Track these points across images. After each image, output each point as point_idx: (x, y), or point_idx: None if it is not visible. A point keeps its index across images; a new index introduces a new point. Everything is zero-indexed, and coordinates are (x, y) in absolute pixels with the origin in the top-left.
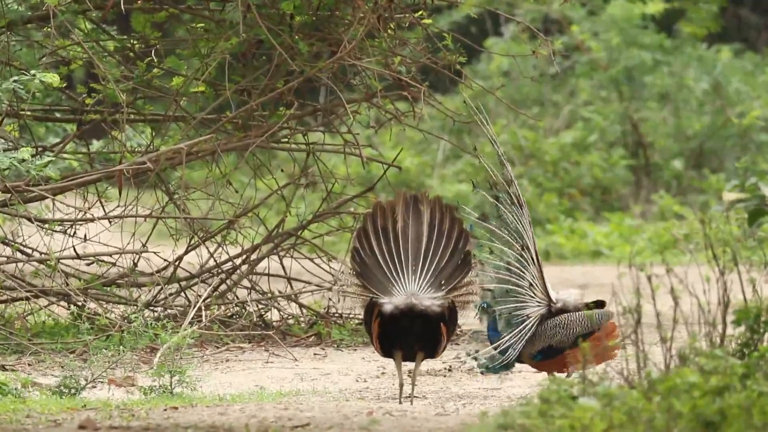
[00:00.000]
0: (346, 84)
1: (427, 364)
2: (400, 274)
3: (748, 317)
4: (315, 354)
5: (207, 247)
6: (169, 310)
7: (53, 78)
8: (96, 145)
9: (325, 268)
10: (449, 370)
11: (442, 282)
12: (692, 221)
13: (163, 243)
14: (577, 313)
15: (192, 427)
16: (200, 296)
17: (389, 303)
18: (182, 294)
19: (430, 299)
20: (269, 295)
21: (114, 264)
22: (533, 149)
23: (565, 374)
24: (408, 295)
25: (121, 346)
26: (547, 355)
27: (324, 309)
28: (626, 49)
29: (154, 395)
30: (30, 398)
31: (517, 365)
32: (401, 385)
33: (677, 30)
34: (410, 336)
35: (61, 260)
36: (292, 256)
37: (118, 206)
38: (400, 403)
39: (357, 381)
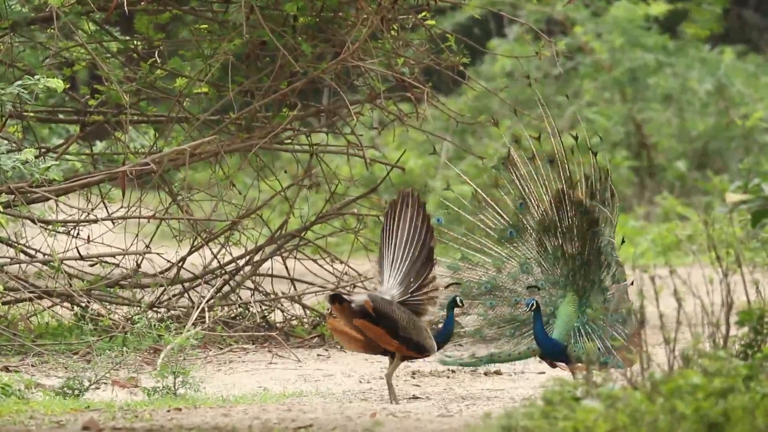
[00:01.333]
0: (349, 85)
1: (430, 365)
2: (385, 271)
3: (752, 318)
4: (318, 355)
5: (210, 248)
6: (173, 311)
7: (58, 84)
8: (99, 146)
9: (328, 269)
10: (452, 371)
11: (411, 279)
12: (696, 222)
13: (166, 244)
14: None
15: (195, 428)
16: (203, 297)
17: (354, 302)
18: (185, 295)
19: (364, 296)
20: (272, 296)
21: (117, 265)
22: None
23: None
24: (379, 292)
25: (124, 347)
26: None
27: (327, 310)
28: (629, 51)
29: (158, 396)
30: (33, 399)
31: (515, 365)
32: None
33: (680, 31)
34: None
35: (64, 261)
36: (295, 257)
37: (122, 207)
38: (391, 402)
39: (360, 382)
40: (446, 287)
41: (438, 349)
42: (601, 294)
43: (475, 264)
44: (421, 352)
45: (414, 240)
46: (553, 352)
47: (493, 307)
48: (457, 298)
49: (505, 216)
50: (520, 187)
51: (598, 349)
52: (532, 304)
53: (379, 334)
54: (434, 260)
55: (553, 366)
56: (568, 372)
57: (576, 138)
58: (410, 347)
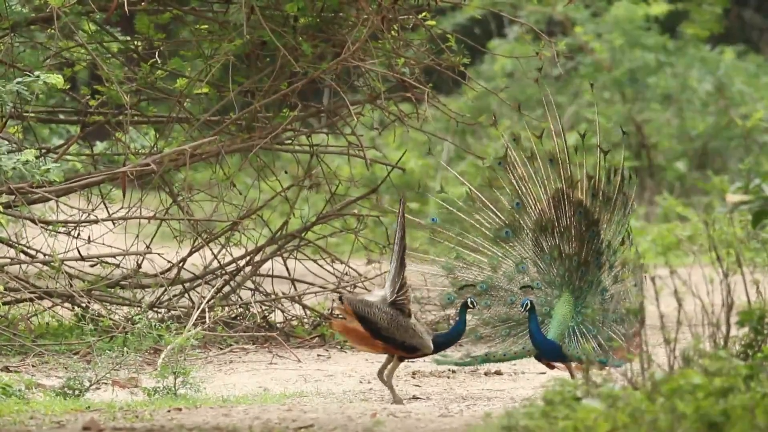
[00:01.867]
0: (349, 85)
1: (430, 366)
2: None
3: (752, 319)
4: (319, 355)
5: (211, 249)
6: (173, 312)
7: (57, 79)
8: (100, 146)
9: (328, 270)
10: (453, 371)
11: (396, 279)
12: (696, 223)
13: (166, 244)
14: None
15: (196, 428)
16: (204, 298)
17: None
18: (186, 295)
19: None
20: (273, 296)
21: (118, 265)
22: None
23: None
24: (372, 294)
25: (125, 348)
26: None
27: (328, 310)
28: (629, 51)
29: (158, 396)
30: (34, 400)
31: (515, 365)
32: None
33: (680, 31)
34: None
35: (64, 262)
36: (295, 258)
37: (122, 208)
38: (392, 403)
39: (361, 382)
40: (460, 289)
41: (441, 349)
42: (599, 295)
43: (470, 263)
44: (411, 351)
45: (398, 240)
46: (549, 352)
47: (488, 307)
48: (470, 300)
49: (500, 215)
50: (516, 186)
51: (593, 349)
52: (527, 304)
53: (362, 336)
54: (405, 259)
55: (551, 367)
56: (566, 371)
57: (583, 136)
58: (397, 347)
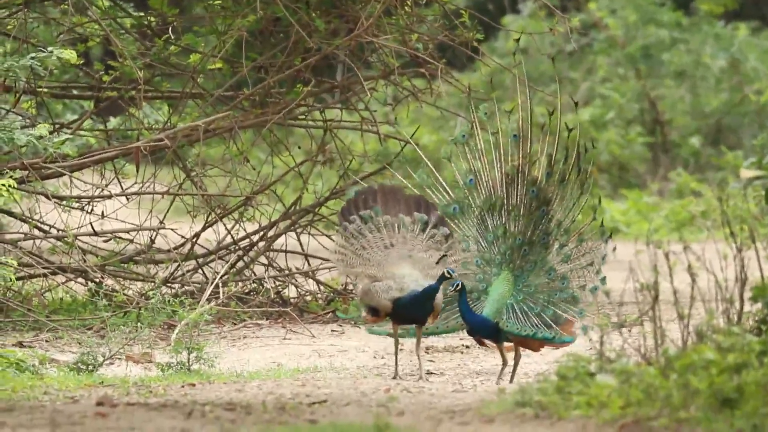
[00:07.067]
0: (363, 61)
1: (444, 341)
2: None
3: (765, 294)
4: (332, 330)
5: (224, 224)
6: (187, 287)
7: (70, 54)
8: (113, 122)
9: None
10: (467, 347)
11: None
12: (710, 198)
13: (180, 220)
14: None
15: (209, 403)
16: (217, 273)
17: None
18: (199, 271)
19: None
20: (286, 271)
21: (131, 241)
22: (550, 126)
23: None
24: None
25: (138, 323)
26: None
27: (341, 285)
28: (643, 27)
29: (172, 372)
30: (48, 375)
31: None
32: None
33: (694, 7)
34: None
35: (78, 237)
36: (309, 233)
37: (136, 183)
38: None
39: (374, 358)
40: (436, 263)
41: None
42: (546, 274)
43: None
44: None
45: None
46: (482, 330)
47: None
48: (446, 270)
49: (451, 192)
50: (473, 162)
51: (536, 325)
52: (458, 285)
53: None
54: None
55: (481, 343)
56: (497, 350)
57: (551, 113)
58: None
